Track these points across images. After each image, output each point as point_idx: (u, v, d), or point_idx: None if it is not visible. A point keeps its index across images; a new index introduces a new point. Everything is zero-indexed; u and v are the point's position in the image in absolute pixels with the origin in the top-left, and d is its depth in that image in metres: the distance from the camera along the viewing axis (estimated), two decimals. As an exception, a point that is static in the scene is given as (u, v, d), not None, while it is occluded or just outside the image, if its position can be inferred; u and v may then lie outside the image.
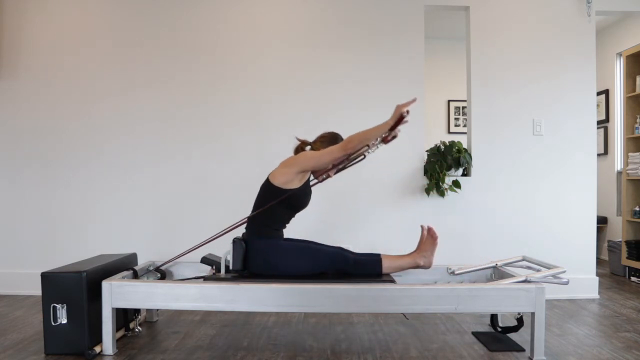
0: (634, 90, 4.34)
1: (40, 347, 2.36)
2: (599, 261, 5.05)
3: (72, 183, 3.51)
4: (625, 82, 4.40)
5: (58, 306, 2.24)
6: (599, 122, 5.27)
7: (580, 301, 3.40)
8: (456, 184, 3.43)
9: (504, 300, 2.23)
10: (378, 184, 3.51)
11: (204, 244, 2.59)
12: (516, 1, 3.56)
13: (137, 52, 3.51)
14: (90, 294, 2.28)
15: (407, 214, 3.50)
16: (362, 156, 2.48)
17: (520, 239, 3.52)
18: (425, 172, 3.49)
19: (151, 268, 2.78)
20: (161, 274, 2.76)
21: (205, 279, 2.44)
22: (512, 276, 2.41)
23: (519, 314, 2.49)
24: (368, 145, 2.33)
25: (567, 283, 2.35)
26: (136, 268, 2.61)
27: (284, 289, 2.23)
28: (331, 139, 2.55)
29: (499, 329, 2.66)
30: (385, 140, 2.35)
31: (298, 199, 2.49)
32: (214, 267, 2.58)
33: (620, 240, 4.39)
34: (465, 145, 3.61)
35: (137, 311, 2.64)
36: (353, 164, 2.59)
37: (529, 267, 2.69)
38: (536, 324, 2.22)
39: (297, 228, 3.35)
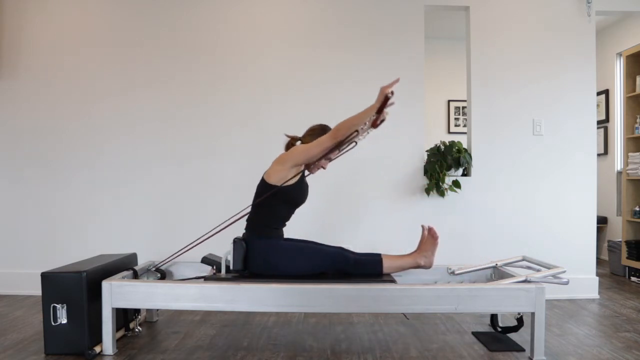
0: (634, 90, 4.34)
1: (40, 347, 2.36)
2: (599, 261, 5.05)
3: (72, 183, 3.51)
4: (625, 82, 4.40)
5: (58, 306, 2.24)
6: (599, 122, 5.27)
7: (580, 301, 3.40)
8: (456, 184, 3.43)
9: (504, 300, 2.23)
10: (378, 184, 3.51)
11: (199, 242, 2.59)
12: (516, 1, 3.56)
13: (137, 52, 3.52)
14: (90, 294, 2.28)
15: (407, 214, 3.50)
16: (353, 143, 2.47)
17: (520, 239, 3.52)
18: (425, 172, 3.49)
19: (151, 268, 2.78)
20: (161, 274, 2.76)
21: (206, 279, 2.44)
22: (512, 276, 2.41)
23: (519, 314, 2.49)
24: (357, 131, 2.32)
25: (567, 283, 2.35)
26: (136, 268, 2.61)
27: (284, 289, 2.23)
28: (320, 130, 2.54)
29: (499, 329, 2.66)
30: (374, 124, 2.33)
31: (296, 194, 2.49)
32: (214, 267, 2.58)
33: (620, 240, 4.39)
34: (465, 145, 3.61)
35: (137, 311, 2.64)
36: (345, 152, 2.57)
37: (529, 267, 2.69)
38: (536, 324, 2.22)
39: (298, 228, 3.35)
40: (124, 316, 2.54)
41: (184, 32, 3.52)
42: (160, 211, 3.50)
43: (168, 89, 3.51)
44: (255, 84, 3.52)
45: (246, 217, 2.55)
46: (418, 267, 2.54)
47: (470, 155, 3.50)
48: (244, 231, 2.53)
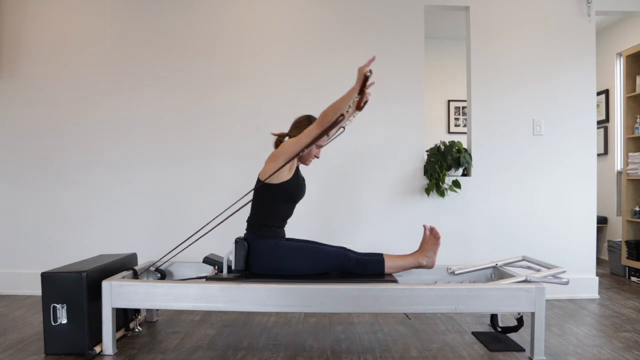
0: (634, 90, 4.34)
1: (40, 347, 2.36)
2: (599, 261, 5.05)
3: (72, 183, 3.51)
4: (625, 82, 4.40)
5: (58, 306, 2.24)
6: (599, 122, 5.28)
7: (580, 301, 3.40)
8: (456, 184, 3.43)
9: (504, 300, 2.23)
10: (378, 184, 3.51)
11: (195, 240, 2.59)
12: (516, 1, 3.56)
13: (137, 52, 3.51)
14: (90, 294, 2.28)
15: (407, 214, 3.50)
16: (342, 129, 2.58)
17: (520, 239, 3.52)
18: (425, 172, 3.49)
19: (151, 268, 2.78)
20: (161, 274, 2.76)
21: (208, 279, 2.44)
22: (512, 276, 2.41)
23: (519, 314, 2.49)
24: (343, 115, 2.34)
25: (567, 283, 2.35)
26: (136, 268, 2.61)
27: (284, 289, 2.23)
28: (306, 121, 2.57)
29: (499, 329, 2.66)
30: (358, 107, 2.36)
31: (293, 190, 2.50)
32: (216, 267, 2.59)
33: (620, 240, 4.39)
34: (465, 145, 3.61)
35: (137, 311, 2.64)
36: (334, 138, 2.69)
37: (529, 267, 2.69)
38: (536, 324, 2.22)
39: (299, 228, 3.36)
40: (124, 316, 2.54)
41: (183, 32, 3.52)
42: (160, 211, 3.49)
43: (168, 89, 3.51)
44: (255, 84, 3.52)
45: (246, 217, 2.55)
46: (420, 267, 2.54)
47: (470, 155, 3.50)
48: (245, 232, 2.53)
